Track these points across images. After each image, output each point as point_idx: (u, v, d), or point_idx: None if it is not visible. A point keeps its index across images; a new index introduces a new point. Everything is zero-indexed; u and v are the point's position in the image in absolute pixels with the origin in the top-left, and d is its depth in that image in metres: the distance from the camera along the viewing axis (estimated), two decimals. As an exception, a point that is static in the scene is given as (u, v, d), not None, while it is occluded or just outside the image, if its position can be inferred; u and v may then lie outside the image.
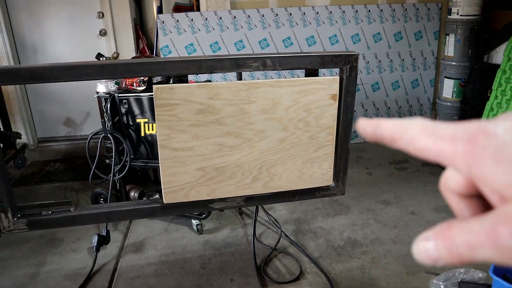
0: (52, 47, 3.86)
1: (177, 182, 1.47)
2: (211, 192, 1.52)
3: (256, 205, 1.84)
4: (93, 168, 2.68)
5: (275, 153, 1.51)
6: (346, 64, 1.47)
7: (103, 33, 3.82)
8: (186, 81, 1.40)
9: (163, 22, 3.55)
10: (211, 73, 1.38)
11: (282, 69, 1.43)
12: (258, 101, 1.42)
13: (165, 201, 1.50)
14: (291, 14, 3.65)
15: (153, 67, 1.32)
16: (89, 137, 2.68)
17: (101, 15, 3.77)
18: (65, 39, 3.85)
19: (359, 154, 3.87)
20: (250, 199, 1.58)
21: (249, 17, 3.60)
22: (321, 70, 1.56)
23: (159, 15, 3.60)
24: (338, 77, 1.50)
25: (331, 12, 3.71)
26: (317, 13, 3.69)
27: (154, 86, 1.34)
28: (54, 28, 3.81)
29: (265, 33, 3.66)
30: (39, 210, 1.49)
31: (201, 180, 1.48)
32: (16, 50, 3.84)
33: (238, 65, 1.38)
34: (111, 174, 2.66)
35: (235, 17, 3.59)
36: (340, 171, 1.64)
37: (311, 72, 1.50)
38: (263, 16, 3.62)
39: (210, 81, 3.24)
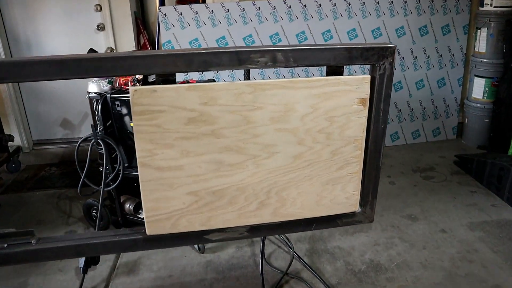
0: (47, 42, 3.58)
1: (163, 209, 1.16)
2: (206, 221, 1.20)
3: (263, 236, 1.53)
4: (82, 176, 2.39)
5: (287, 173, 1.20)
6: (380, 60, 1.14)
7: (101, 27, 3.53)
8: (174, 82, 1.09)
9: (165, 15, 3.25)
10: (205, 70, 1.07)
11: (298, 66, 1.11)
12: (267, 107, 1.11)
13: (148, 232, 1.19)
14: (305, 6, 3.32)
15: (125, 64, 1.01)
16: (78, 143, 2.38)
17: (99, 8, 3.48)
18: (60, 34, 3.56)
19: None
20: (256, 229, 1.27)
21: (259, 9, 3.28)
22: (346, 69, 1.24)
23: (161, 7, 3.29)
24: (369, 76, 1.17)
25: (349, 4, 3.37)
26: (334, 4, 3.35)
27: (131, 89, 1.03)
28: (49, 23, 3.53)
29: (277, 27, 3.33)
30: (-8, 242, 1.20)
31: (194, 206, 1.17)
32: (9, 45, 3.56)
33: (240, 60, 1.06)
34: (102, 184, 2.37)
35: (244, 10, 3.27)
36: (369, 194, 1.32)
37: (334, 70, 1.17)
38: (274, 8, 3.29)
39: (214, 80, 2.93)
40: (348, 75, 1.17)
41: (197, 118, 1.08)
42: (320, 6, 3.33)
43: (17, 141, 3.74)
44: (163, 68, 1.04)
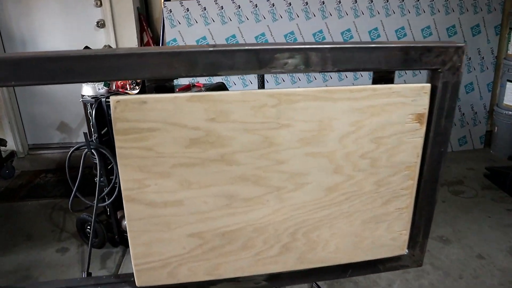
0: (43, 40, 3.33)
1: (158, 255, 0.89)
2: (213, 269, 0.93)
3: (284, 286, 1.26)
4: (74, 190, 2.12)
5: (319, 209, 0.92)
6: (444, 64, 0.86)
7: (101, 24, 3.27)
8: (171, 89, 0.81)
9: (171, 11, 2.98)
10: (213, 75, 0.79)
11: (338, 70, 0.83)
12: (295, 124, 0.83)
13: (138, 283, 0.91)
14: (323, 3, 3.04)
15: (102, 65, 0.73)
16: (69, 153, 2.12)
17: (99, 3, 3.22)
18: (57, 31, 3.31)
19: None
20: (276, 278, 0.99)
21: (273, 5, 3.00)
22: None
23: (166, 2, 3.03)
24: (429, 85, 0.89)
25: (371, 1, 3.08)
26: (355, 1, 3.06)
27: (112, 99, 0.76)
28: (45, 18, 3.28)
29: (292, 25, 3.05)
30: None
31: (197, 252, 0.90)
32: (2, 43, 3.32)
33: (261, 62, 0.78)
34: (96, 199, 2.10)
35: (256, 6, 2.99)
36: (419, 234, 1.04)
37: (383, 77, 0.90)
38: (290, 4, 3.01)
39: (224, 85, 2.65)
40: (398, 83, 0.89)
41: (203, 138, 0.80)
42: (339, 3, 3.05)
43: (11, 145, 3.49)
44: (156, 72, 0.77)
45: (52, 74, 0.74)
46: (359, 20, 3.10)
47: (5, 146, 3.31)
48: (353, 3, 3.06)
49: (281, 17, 3.03)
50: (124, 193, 0.82)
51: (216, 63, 0.77)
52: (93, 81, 0.64)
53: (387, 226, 0.99)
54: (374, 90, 0.85)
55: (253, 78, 3.06)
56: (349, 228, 0.96)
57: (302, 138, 0.84)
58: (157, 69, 0.77)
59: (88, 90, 2.18)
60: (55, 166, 3.56)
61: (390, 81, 0.91)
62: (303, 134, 0.84)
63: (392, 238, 1.01)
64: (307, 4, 3.03)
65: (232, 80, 3.10)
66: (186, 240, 0.88)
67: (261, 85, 1.76)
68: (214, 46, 0.78)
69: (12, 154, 3.45)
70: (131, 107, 0.76)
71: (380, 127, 0.88)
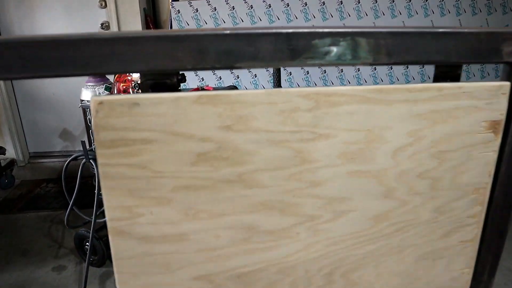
0: (46, 43, 3.17)
1: None
2: None
3: None
4: (70, 204, 1.94)
5: (363, 243, 0.72)
6: (530, 55, 0.66)
7: (105, 26, 3.11)
8: (174, 88, 0.62)
9: (179, 12, 2.81)
10: (229, 67, 0.59)
11: (394, 63, 0.63)
12: (336, 135, 0.63)
13: None
14: (341, 3, 2.85)
15: (75, 54, 0.54)
16: (66, 163, 1.94)
17: (103, 4, 3.06)
18: (60, 33, 3.15)
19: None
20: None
21: (288, 5, 2.81)
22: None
23: (174, 2, 2.85)
24: (508, 83, 0.69)
25: (393, 1, 2.88)
26: (376, 1, 2.87)
27: (92, 100, 0.56)
28: (48, 20, 3.12)
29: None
30: None
31: None
32: (3, 46, 3.16)
33: (294, 50, 0.59)
34: (94, 214, 1.91)
35: (270, 6, 2.81)
36: (484, 271, 0.83)
37: (447, 73, 0.70)
38: (305, 4, 2.82)
39: (235, 87, 2.46)
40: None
41: (214, 153, 0.61)
42: (359, 3, 2.85)
43: (11, 153, 3.33)
44: (153, 63, 0.57)
45: (10, 65, 0.54)
46: (380, 21, 2.90)
47: (4, 154, 3.14)
48: (373, 3, 2.86)
49: (296, 18, 2.84)
50: (109, 225, 0.62)
51: (233, 51, 0.57)
52: (65, 76, 0.51)
53: (446, 263, 0.78)
54: (440, 89, 0.65)
55: (266, 82, 2.86)
56: (400, 267, 0.76)
57: (345, 152, 0.64)
58: (154, 59, 0.57)
59: (87, 94, 2.01)
60: (57, 176, 3.39)
61: (456, 78, 0.70)
62: (346, 147, 0.64)
63: (452, 278, 0.80)
64: (324, 4, 2.84)
65: (244, 84, 2.91)
66: (190, 285, 0.68)
67: (277, 84, 1.54)
68: (231, 29, 0.58)
69: (12, 162, 3.29)
70: (118, 112, 0.56)
71: (445, 138, 0.68)
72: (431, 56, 0.64)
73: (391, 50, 0.61)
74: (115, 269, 0.65)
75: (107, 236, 1.96)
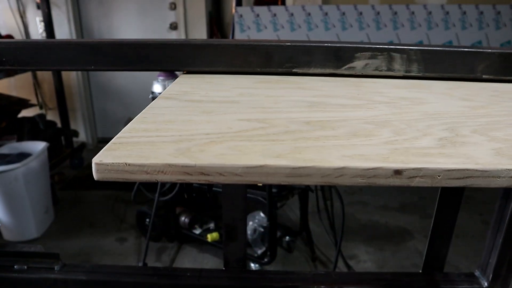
0: (120, 37, 3.51)
1: (170, 130, 0.47)
2: (287, 151, 0.41)
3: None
4: (137, 182, 2.20)
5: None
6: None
7: (173, 26, 3.39)
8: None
9: (241, 16, 3.03)
10: (288, 72, 0.77)
11: (422, 77, 0.78)
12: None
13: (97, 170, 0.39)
14: (396, 13, 2.96)
15: (175, 54, 0.75)
16: (136, 146, 2.20)
17: (173, 6, 3.35)
18: (133, 32, 3.48)
19: (469, 194, 3.05)
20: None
21: (343, 14, 2.97)
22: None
23: (237, 7, 3.08)
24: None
25: (447, 13, 2.96)
26: (430, 13, 2.95)
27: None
28: (123, 19, 3.45)
29: (362, 35, 3.00)
30: (12, 262, 0.98)
31: (255, 132, 0.47)
32: (83, 41, 3.53)
33: (339, 60, 0.77)
34: (157, 194, 2.16)
35: (326, 14, 2.97)
36: (503, 265, 0.96)
37: None
38: (361, 14, 2.96)
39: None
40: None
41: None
42: (413, 13, 2.95)
43: (82, 137, 3.69)
44: (230, 64, 0.77)
45: (128, 61, 0.76)
46: (433, 32, 2.99)
47: (77, 137, 3.50)
48: (427, 15, 2.96)
49: (351, 26, 2.99)
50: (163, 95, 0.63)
51: (292, 59, 0.76)
52: (167, 70, 0.66)
53: None
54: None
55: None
56: None
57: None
58: (232, 61, 0.78)
59: (158, 87, 2.26)
60: (120, 160, 3.72)
61: None
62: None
63: None
64: (379, 14, 2.96)
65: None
66: (234, 123, 0.50)
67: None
68: (292, 41, 0.77)
69: (83, 145, 3.64)
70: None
71: None
72: (457, 72, 0.78)
73: (422, 64, 0.77)
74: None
75: (165, 214, 2.25)
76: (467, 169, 0.37)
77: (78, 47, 0.77)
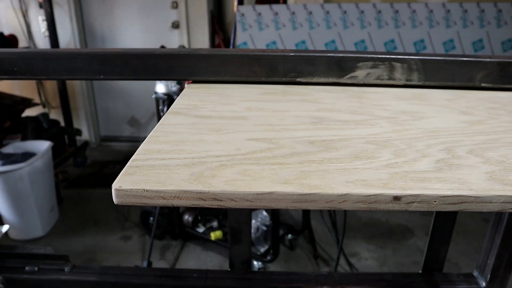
0: (122, 37, 3.52)
1: (182, 152, 0.50)
2: (293, 177, 0.44)
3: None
4: (141, 183, 2.23)
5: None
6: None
7: (175, 25, 3.41)
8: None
9: (243, 15, 3.05)
10: (293, 81, 0.80)
11: (422, 86, 0.81)
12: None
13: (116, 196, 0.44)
14: (397, 12, 2.97)
15: (181, 64, 0.77)
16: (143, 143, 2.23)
17: (175, 5, 3.36)
18: (135, 30, 3.49)
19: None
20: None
21: (345, 12, 2.98)
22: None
23: (239, 6, 3.10)
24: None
25: (449, 11, 2.97)
26: (431, 11, 2.97)
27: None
28: (125, 18, 3.47)
29: (363, 33, 3.01)
30: (23, 263, 1.02)
31: (262, 154, 0.49)
32: (85, 39, 3.55)
33: (342, 69, 0.79)
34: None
35: (328, 12, 2.98)
36: (501, 266, 0.99)
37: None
38: (362, 12, 2.98)
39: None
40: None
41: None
42: (414, 12, 2.96)
43: (85, 135, 3.72)
44: (236, 74, 0.79)
45: (136, 71, 0.79)
46: (434, 30, 3.00)
47: (81, 135, 3.53)
48: (428, 13, 2.97)
49: (353, 25, 3.00)
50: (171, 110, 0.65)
51: (296, 68, 0.78)
52: (173, 79, 0.67)
53: None
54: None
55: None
56: None
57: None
58: (237, 71, 0.80)
59: (161, 87, 2.28)
60: (123, 158, 3.74)
61: None
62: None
63: None
64: (380, 12, 2.98)
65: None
66: (243, 143, 0.52)
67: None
68: (295, 51, 0.79)
69: (86, 144, 3.67)
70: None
71: None
72: (457, 81, 0.81)
73: (422, 74, 0.79)
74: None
75: (169, 213, 2.28)
76: (461, 195, 0.39)
77: (87, 57, 0.79)
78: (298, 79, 0.79)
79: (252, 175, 0.43)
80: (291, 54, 0.79)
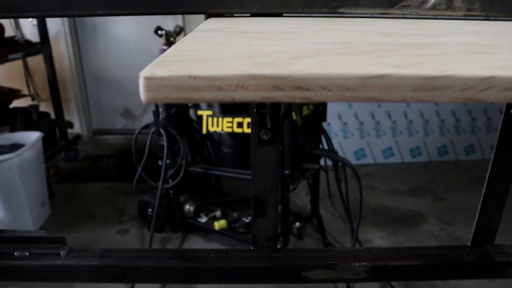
0: (114, 26, 3.38)
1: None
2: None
3: None
4: (139, 170, 2.09)
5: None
6: None
7: (170, 10, 3.27)
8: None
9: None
10: (334, 12, 0.67)
11: (485, 17, 0.68)
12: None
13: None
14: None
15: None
16: (137, 131, 2.09)
17: (169, -11, 3.22)
18: (128, 18, 3.34)
19: (480, 175, 2.98)
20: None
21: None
22: None
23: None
24: None
25: None
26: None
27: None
28: (117, 4, 3.32)
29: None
30: (12, 248, 0.88)
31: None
32: (76, 29, 3.39)
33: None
34: (161, 180, 2.05)
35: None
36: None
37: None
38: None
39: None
40: None
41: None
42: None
43: (77, 128, 3.56)
44: (267, 4, 0.66)
45: (143, 2, 0.66)
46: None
47: (72, 128, 3.38)
48: None
49: None
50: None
51: (338, -3, 0.66)
52: (190, 13, 0.56)
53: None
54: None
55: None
56: None
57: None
58: (267, 1, 0.67)
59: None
60: (117, 151, 3.59)
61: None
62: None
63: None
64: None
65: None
66: (310, 45, 0.41)
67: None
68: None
69: (78, 137, 3.51)
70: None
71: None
72: None
73: (486, 2, 0.67)
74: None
75: (168, 203, 2.12)
76: None
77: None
78: (340, 10, 0.67)
79: (343, 63, 0.30)
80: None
